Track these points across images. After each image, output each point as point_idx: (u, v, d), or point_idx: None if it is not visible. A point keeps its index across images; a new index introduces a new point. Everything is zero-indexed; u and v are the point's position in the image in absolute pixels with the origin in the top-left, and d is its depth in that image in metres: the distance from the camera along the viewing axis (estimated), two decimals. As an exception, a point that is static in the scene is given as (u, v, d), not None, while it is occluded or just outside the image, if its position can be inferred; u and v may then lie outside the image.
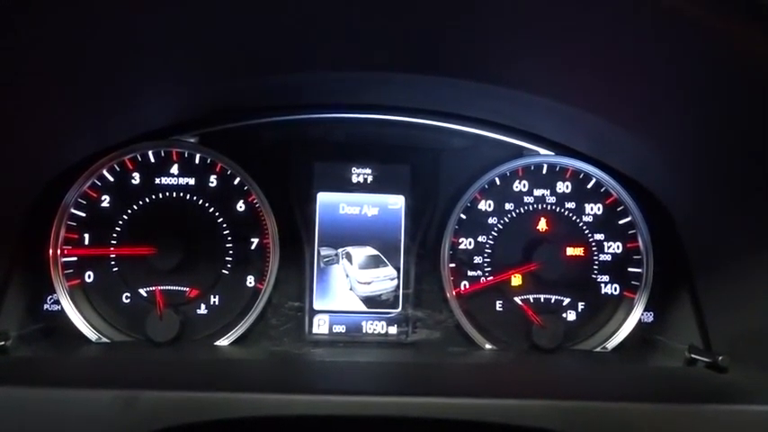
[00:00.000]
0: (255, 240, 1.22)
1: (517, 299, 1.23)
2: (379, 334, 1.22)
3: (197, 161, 1.22)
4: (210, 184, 1.22)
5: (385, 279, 1.23)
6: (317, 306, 1.22)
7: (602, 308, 1.25)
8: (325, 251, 1.22)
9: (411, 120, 1.25)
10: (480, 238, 1.25)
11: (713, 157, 1.00)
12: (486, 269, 1.24)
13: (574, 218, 1.25)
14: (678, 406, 0.83)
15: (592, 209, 1.25)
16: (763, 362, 0.97)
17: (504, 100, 1.14)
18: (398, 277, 1.23)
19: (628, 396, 0.87)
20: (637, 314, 1.23)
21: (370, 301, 1.22)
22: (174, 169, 1.22)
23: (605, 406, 0.82)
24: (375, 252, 1.23)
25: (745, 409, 0.83)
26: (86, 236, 1.20)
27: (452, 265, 1.23)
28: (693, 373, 1.07)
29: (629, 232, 1.24)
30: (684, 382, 1.02)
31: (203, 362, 1.09)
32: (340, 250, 1.22)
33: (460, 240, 1.24)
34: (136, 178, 1.21)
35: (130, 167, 1.21)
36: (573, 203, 1.26)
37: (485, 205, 1.25)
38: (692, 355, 1.08)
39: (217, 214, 1.22)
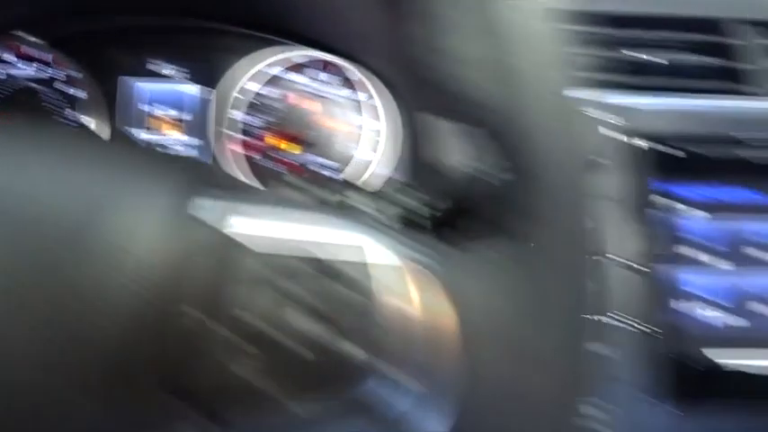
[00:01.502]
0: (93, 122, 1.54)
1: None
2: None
3: (37, 56, 1.54)
4: (51, 77, 1.55)
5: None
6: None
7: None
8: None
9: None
10: (254, 121, 1.46)
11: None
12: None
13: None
14: None
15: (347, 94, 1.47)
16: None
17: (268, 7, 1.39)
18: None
19: None
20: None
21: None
22: (18, 62, 1.55)
23: None
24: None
25: None
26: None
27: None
28: None
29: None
30: None
31: None
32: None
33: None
34: (-16, 69, 1.51)
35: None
36: (332, 92, 1.50)
37: (262, 90, 1.46)
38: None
39: (58, 101, 1.55)
